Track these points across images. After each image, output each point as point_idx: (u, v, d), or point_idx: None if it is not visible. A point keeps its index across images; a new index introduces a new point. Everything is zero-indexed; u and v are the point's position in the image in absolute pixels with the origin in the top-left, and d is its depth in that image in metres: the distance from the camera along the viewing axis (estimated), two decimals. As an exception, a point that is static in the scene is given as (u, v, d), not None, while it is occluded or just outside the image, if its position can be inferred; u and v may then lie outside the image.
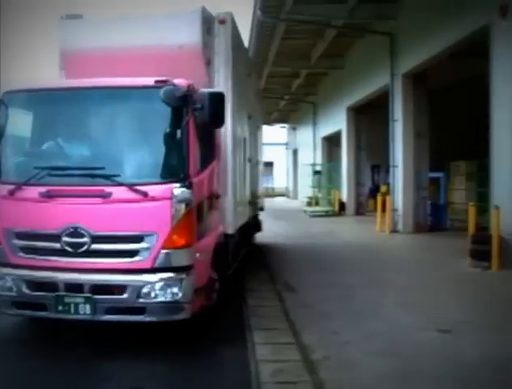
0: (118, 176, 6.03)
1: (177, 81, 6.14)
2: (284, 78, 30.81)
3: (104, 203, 6.04)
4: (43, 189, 6.14)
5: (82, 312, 5.95)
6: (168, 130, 6.13)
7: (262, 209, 14.88)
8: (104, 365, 5.92)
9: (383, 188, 20.34)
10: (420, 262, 12.59)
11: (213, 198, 7.25)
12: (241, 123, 9.52)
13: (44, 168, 6.25)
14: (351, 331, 6.82)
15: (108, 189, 6.02)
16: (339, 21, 19.10)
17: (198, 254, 6.27)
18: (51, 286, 6.08)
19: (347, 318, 7.45)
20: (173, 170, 6.17)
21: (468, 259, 11.25)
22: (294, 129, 45.94)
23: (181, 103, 6.03)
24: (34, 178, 6.19)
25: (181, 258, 6.07)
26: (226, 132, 7.82)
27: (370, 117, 25.04)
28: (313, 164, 33.83)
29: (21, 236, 6.33)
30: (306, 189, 35.34)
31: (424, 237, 16.90)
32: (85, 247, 6.02)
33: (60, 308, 5.99)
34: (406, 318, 7.40)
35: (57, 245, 6.09)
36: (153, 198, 5.99)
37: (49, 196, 6.13)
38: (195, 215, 6.27)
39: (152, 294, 5.90)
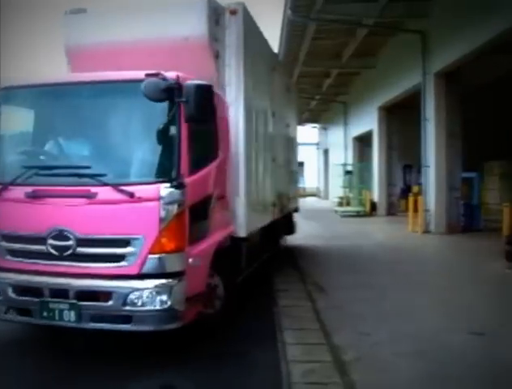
0: (104, 175, 5.68)
1: (168, 74, 5.72)
2: (315, 78, 30.68)
3: (89, 204, 5.73)
4: (28, 189, 5.89)
5: (66, 319, 5.68)
6: (156, 126, 5.73)
7: (296, 210, 14.68)
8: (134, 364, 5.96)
9: (415, 188, 20.13)
10: (453, 263, 12.44)
11: (215, 198, 6.76)
12: (260, 120, 9.09)
13: (30, 167, 6.05)
14: (382, 332, 6.77)
15: (93, 189, 5.69)
16: (370, 20, 18.95)
17: (191, 259, 5.85)
18: (36, 291, 5.84)
19: (379, 319, 7.39)
20: (162, 169, 5.80)
21: (503, 261, 11.07)
22: (325, 129, 45.84)
23: (166, 97, 5.59)
24: (19, 178, 5.98)
25: (171, 264, 5.66)
26: (238, 129, 7.52)
27: (402, 117, 24.78)
28: (344, 164, 33.67)
29: (7, 238, 6.12)
30: (337, 189, 35.18)
31: (456, 238, 16.67)
32: (70, 251, 5.72)
33: (45, 314, 5.75)
34: (438, 320, 7.32)
35: (43, 248, 5.82)
36: (140, 199, 5.61)
37: (34, 197, 5.88)
38: (188, 218, 5.84)
39: (139, 302, 5.54)
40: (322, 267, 11.73)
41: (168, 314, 5.60)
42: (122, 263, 5.65)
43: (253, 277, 8.86)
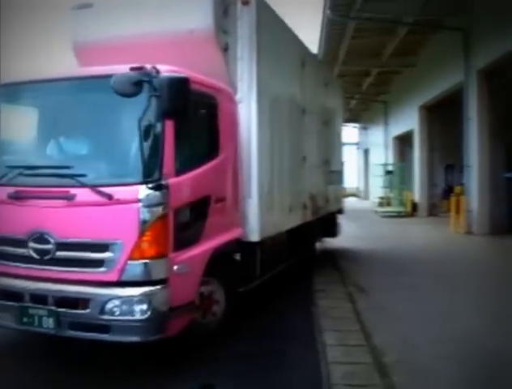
0: (84, 176, 5.40)
1: (148, 67, 5.37)
2: (355, 77, 30.47)
3: (68, 206, 5.46)
4: (10, 190, 5.71)
5: (45, 326, 5.45)
6: (137, 123, 5.25)
7: (340, 212, 14.43)
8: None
9: (457, 188, 19.84)
10: (497, 264, 12.24)
11: (212, 200, 6.32)
12: (283, 117, 8.64)
13: (9, 167, 5.87)
14: (423, 334, 6.70)
15: (72, 190, 5.42)
16: (410, 18, 18.78)
17: (176, 266, 5.47)
18: (17, 295, 5.65)
19: (420, 320, 7.32)
20: (143, 169, 5.32)
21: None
22: (365, 128, 45.66)
23: (138, 91, 5.21)
24: (1, 179, 5.85)
25: (152, 271, 5.29)
26: (250, 127, 7.13)
27: (444, 116, 24.46)
28: (385, 164, 33.41)
29: None
30: (377, 189, 34.91)
31: (500, 239, 16.32)
32: (50, 255, 5.50)
33: (24, 320, 5.55)
34: (481, 323, 7.20)
35: (25, 252, 5.64)
36: (118, 202, 5.29)
37: (15, 198, 5.69)
38: (173, 221, 5.48)
39: (117, 311, 5.22)
40: (362, 267, 11.67)
41: (149, 324, 5.27)
42: (101, 269, 5.37)
43: (291, 277, 8.84)
